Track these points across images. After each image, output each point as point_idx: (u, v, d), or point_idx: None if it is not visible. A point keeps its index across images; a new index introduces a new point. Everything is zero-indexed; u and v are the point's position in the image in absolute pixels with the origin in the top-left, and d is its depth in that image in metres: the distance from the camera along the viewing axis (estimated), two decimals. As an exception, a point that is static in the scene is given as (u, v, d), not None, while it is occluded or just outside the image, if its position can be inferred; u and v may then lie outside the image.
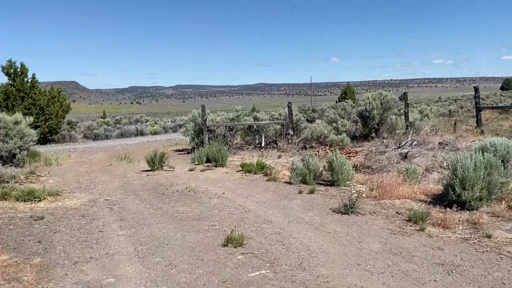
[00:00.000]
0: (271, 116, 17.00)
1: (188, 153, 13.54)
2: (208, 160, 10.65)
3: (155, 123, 33.85)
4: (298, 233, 4.94)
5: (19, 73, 23.40)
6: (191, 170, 9.80)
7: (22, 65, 23.59)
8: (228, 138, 13.68)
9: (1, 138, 11.95)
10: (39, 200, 6.73)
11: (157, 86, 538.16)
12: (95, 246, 4.52)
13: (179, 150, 14.92)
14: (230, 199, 6.68)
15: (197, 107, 14.69)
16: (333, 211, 5.82)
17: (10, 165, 11.63)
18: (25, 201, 6.70)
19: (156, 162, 10.02)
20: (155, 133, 28.23)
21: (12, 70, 23.25)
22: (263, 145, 13.83)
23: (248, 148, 13.72)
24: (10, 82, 23.30)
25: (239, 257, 4.15)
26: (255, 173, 8.89)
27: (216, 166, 10.06)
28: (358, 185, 6.41)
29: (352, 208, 5.74)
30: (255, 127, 14.52)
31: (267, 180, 8.17)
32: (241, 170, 9.35)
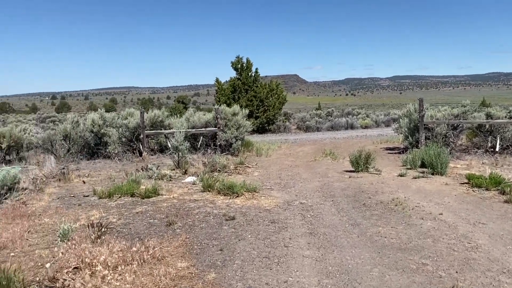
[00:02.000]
0: (510, 112, 13.62)
1: (400, 153, 11.97)
2: (423, 165, 8.98)
3: (367, 116, 32.57)
4: None
5: (245, 67, 25.76)
6: (400, 176, 8.38)
7: (247, 60, 25.89)
8: (451, 139, 11.46)
9: (221, 128, 12.98)
10: (237, 196, 6.62)
11: (373, 77, 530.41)
12: (274, 268, 3.86)
13: (389, 149, 13.44)
14: (450, 225, 5.12)
15: (414, 100, 12.87)
16: None
17: (227, 153, 12.53)
18: (224, 195, 6.71)
19: (360, 163, 8.98)
20: (365, 126, 27.05)
21: (239, 65, 25.78)
22: (497, 149, 11.08)
23: (476, 152, 11.21)
24: (237, 76, 25.92)
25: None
26: (486, 189, 6.86)
27: (432, 174, 8.34)
28: None
29: None
30: (487, 126, 11.78)
31: (505, 202, 6.13)
32: (466, 183, 7.42)
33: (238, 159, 10.85)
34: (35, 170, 9.10)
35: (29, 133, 13.35)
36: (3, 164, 11.08)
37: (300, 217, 5.60)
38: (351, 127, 26.51)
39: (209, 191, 7.04)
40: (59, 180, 8.35)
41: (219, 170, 9.45)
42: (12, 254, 4.05)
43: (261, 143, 15.41)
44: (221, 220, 5.38)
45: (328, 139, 18.77)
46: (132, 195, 6.70)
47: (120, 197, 6.64)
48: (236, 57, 25.85)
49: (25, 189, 7.23)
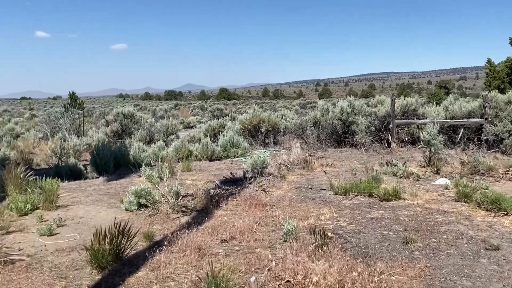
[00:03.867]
0: None
1: None
2: None
3: None
4: None
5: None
6: None
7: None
8: None
9: (490, 119, 10.65)
10: (505, 214, 4.99)
11: None
12: None
13: None
14: None
15: None
16: None
17: (495, 151, 10.23)
18: (487, 210, 5.17)
19: None
20: None
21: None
22: None
23: None
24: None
25: None
26: None
27: None
28: None
29: None
30: None
31: None
32: None
33: (511, 160, 8.58)
34: (284, 156, 9.52)
35: (285, 119, 14.37)
36: (262, 147, 12.24)
37: None
38: None
39: (465, 201, 5.60)
40: (303, 168, 8.42)
41: (482, 173, 7.64)
42: (236, 248, 4.01)
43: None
44: (479, 247, 4.04)
45: None
46: (370, 195, 5.98)
47: (356, 195, 6.03)
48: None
49: (270, 174, 7.54)
